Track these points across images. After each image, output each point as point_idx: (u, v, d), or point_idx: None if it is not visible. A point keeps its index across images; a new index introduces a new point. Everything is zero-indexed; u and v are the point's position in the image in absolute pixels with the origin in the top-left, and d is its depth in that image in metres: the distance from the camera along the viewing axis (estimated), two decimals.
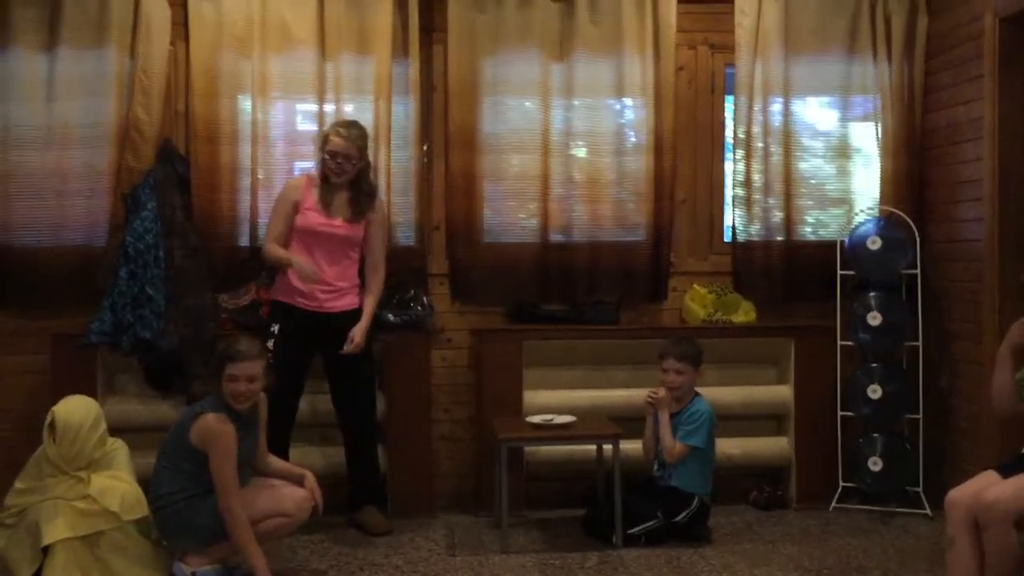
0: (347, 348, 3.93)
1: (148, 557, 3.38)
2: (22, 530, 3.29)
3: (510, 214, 4.56)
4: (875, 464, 4.32)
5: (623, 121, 4.63)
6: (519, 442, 4.12)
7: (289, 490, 3.50)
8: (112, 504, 3.31)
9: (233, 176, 4.37)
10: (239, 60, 4.33)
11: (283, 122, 4.49)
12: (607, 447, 4.05)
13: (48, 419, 3.38)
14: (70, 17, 4.23)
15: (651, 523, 3.91)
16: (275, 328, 3.94)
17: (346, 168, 3.95)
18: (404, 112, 4.45)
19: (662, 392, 4.02)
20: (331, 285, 3.99)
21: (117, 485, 3.38)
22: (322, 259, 3.98)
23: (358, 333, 3.95)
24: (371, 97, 4.40)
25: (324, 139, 3.99)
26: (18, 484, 3.40)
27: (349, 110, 4.40)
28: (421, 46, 4.44)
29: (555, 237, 4.54)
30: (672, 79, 4.54)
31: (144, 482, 3.48)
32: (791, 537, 4.05)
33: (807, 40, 4.57)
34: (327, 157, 3.95)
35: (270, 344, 3.90)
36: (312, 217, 3.97)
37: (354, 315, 4.03)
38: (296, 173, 4.35)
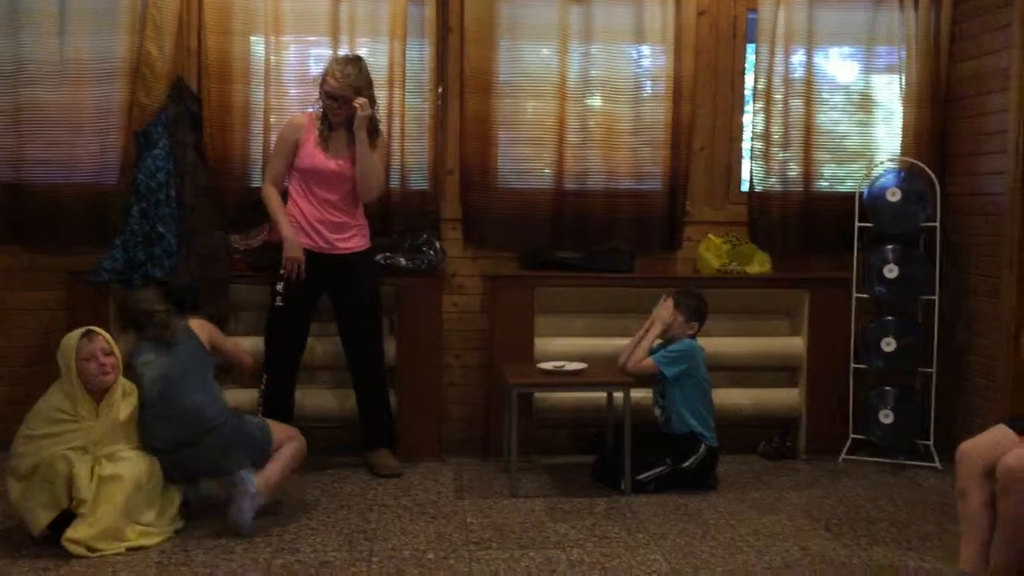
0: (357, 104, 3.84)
1: (161, 500, 3.39)
2: (38, 481, 3.15)
3: (525, 160, 4.51)
4: (886, 416, 4.31)
5: (641, 68, 4.55)
6: (529, 388, 4.11)
7: (276, 425, 3.64)
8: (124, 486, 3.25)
9: (246, 116, 4.33)
10: None
11: (296, 63, 4.41)
12: (618, 395, 4.04)
13: None
14: None
15: (659, 469, 3.91)
16: (284, 271, 3.92)
17: (344, 109, 3.89)
18: (419, 54, 4.39)
19: (668, 310, 4.03)
20: (338, 224, 3.96)
21: (128, 467, 3.30)
22: (327, 198, 3.94)
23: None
24: (385, 38, 4.33)
25: (322, 79, 3.93)
26: (29, 430, 3.25)
27: (363, 52, 4.32)
28: None
29: (570, 184, 4.49)
30: (693, 23, 4.45)
31: None
32: (799, 487, 4.05)
33: None
34: (325, 97, 3.90)
35: (279, 287, 3.90)
36: (314, 156, 3.93)
37: (364, 256, 4.01)
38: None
